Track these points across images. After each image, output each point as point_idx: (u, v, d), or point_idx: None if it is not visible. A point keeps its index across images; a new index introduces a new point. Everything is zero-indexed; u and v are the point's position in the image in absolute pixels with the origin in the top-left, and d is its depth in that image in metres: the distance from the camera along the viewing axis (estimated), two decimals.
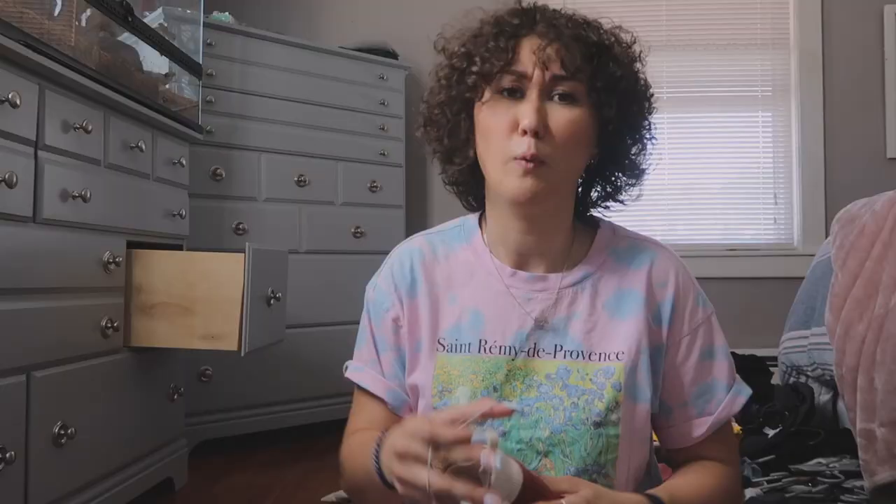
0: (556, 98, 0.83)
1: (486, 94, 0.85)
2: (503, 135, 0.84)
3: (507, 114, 0.84)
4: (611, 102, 0.84)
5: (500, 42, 0.83)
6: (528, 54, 0.82)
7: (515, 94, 0.84)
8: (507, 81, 0.83)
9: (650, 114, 0.92)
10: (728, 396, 0.91)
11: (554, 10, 0.88)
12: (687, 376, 0.91)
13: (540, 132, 0.81)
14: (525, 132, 0.81)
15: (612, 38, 0.87)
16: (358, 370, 0.97)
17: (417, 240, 0.99)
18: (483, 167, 0.89)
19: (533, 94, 0.82)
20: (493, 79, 0.84)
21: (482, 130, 0.87)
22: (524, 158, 0.81)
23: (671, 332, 0.91)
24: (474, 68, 0.84)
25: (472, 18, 0.90)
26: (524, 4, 0.88)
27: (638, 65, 0.90)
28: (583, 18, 0.87)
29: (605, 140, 0.89)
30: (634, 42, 0.90)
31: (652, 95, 0.92)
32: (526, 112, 0.82)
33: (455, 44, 0.90)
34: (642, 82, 0.90)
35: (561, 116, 0.83)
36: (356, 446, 0.90)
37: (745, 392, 0.93)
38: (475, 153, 0.90)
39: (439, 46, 0.92)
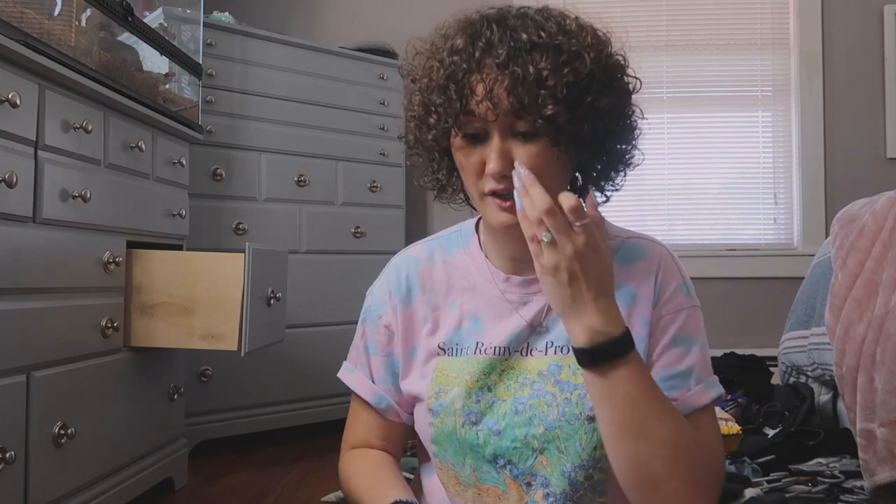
0: (520, 135, 0.82)
1: (456, 139, 0.85)
2: (475, 174, 0.85)
3: (475, 155, 0.84)
4: (566, 129, 0.81)
5: (451, 92, 0.81)
6: (480, 95, 0.80)
7: (479, 136, 0.83)
8: (468, 128, 0.83)
9: (629, 111, 0.88)
10: (699, 387, 0.87)
11: (514, 23, 0.82)
12: (656, 354, 0.88)
13: (507, 173, 0.82)
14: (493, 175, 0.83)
15: (566, 52, 0.80)
16: (348, 371, 1.02)
17: (415, 248, 1.02)
18: (470, 197, 0.91)
19: (495, 136, 0.82)
20: (454, 129, 0.84)
21: (460, 168, 0.88)
22: (496, 194, 0.83)
23: (653, 311, 0.89)
24: (432, 120, 0.84)
25: (437, 36, 0.88)
26: (475, 27, 0.83)
27: (612, 68, 0.85)
28: (527, 38, 0.80)
29: (582, 150, 0.86)
30: (605, 41, 0.85)
31: (630, 90, 0.87)
32: (490, 156, 0.82)
33: (417, 82, 0.88)
34: (610, 87, 0.84)
35: (523, 155, 0.82)
36: (359, 479, 0.96)
37: (716, 389, 0.89)
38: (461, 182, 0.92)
39: (405, 73, 0.91)
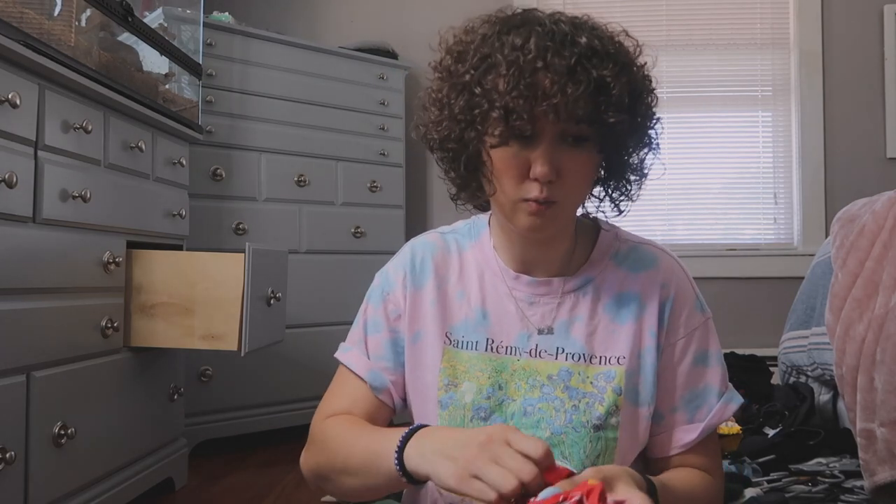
0: (569, 140, 0.81)
1: (502, 135, 0.80)
2: (516, 178, 0.82)
3: (520, 157, 0.81)
4: (621, 137, 0.82)
5: (521, 83, 0.77)
6: (548, 93, 0.77)
7: (529, 137, 0.80)
8: (522, 126, 0.79)
9: (655, 122, 0.89)
10: (720, 403, 0.91)
11: (566, 28, 0.80)
12: (679, 380, 0.91)
13: (553, 179, 0.80)
14: (537, 179, 0.80)
15: (620, 63, 0.80)
16: (345, 350, 1.00)
17: (432, 235, 1.01)
18: (495, 200, 0.87)
19: (545, 141, 0.80)
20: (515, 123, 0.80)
21: (496, 170, 0.84)
22: (535, 201, 0.81)
23: (668, 334, 0.91)
24: (495, 114, 0.79)
25: (472, 32, 0.85)
26: (527, 21, 0.81)
27: (648, 82, 0.86)
28: (587, 42, 0.78)
29: (612, 162, 0.88)
30: (639, 52, 0.85)
31: (655, 101, 0.88)
32: (539, 160, 0.80)
33: (463, 70, 0.83)
34: (648, 97, 0.85)
35: (574, 161, 0.81)
36: (350, 429, 0.89)
37: (736, 400, 0.92)
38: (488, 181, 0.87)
39: (442, 62, 0.86)
